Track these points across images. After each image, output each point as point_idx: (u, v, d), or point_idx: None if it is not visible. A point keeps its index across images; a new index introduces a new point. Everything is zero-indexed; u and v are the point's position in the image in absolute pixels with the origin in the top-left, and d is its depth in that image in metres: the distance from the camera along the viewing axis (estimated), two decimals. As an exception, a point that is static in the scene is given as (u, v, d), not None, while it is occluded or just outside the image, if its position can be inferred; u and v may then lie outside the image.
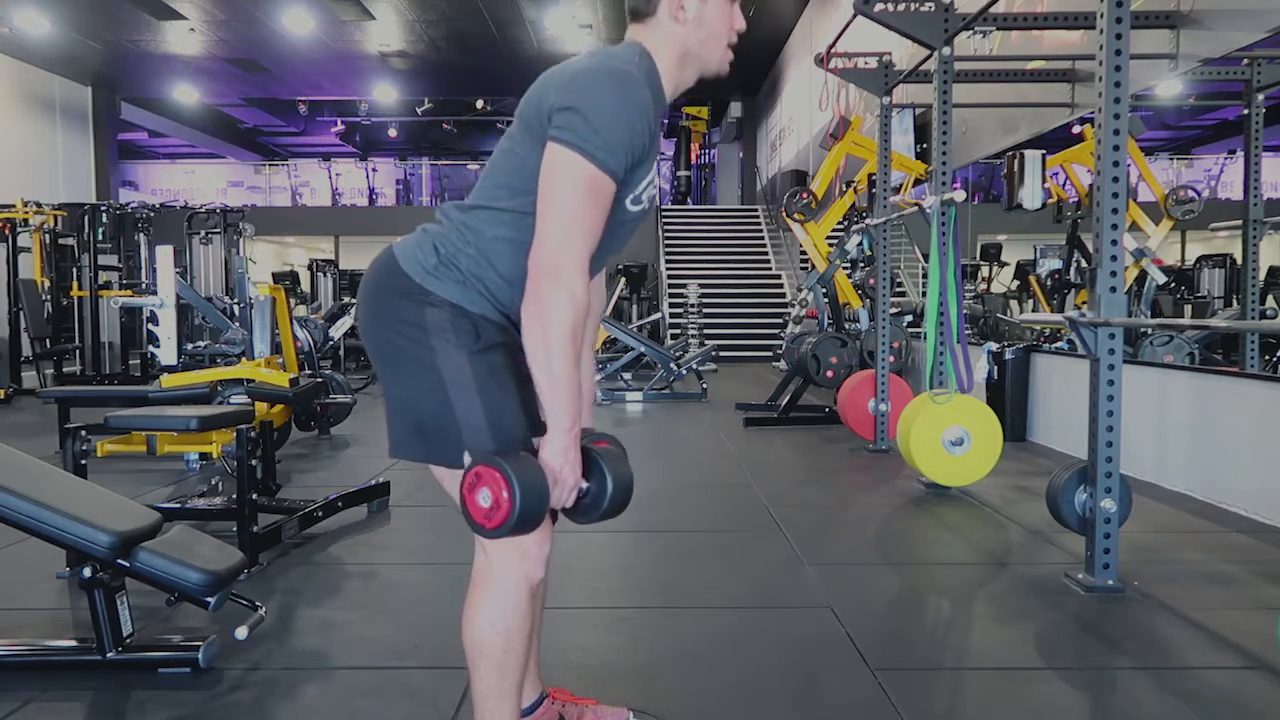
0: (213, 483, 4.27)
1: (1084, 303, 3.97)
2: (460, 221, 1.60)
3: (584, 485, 1.53)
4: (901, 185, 7.81)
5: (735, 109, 20.58)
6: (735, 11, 1.63)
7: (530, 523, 1.45)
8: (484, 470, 1.44)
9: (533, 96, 1.56)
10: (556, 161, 1.47)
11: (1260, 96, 5.69)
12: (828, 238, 7.79)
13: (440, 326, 1.55)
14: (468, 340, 1.55)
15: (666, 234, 16.61)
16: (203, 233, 10.56)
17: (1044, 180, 6.40)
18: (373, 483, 4.09)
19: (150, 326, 5.65)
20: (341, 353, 10.52)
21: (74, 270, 9.74)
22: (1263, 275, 7.59)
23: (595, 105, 1.46)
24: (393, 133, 23.70)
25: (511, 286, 1.57)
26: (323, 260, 15.09)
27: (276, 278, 12.82)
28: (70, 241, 10.37)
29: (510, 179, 1.57)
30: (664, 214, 17.41)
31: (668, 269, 15.15)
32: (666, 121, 21.92)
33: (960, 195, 4.21)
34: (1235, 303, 8.16)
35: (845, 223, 8.22)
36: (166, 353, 5.47)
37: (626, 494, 1.55)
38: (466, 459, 1.52)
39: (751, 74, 18.54)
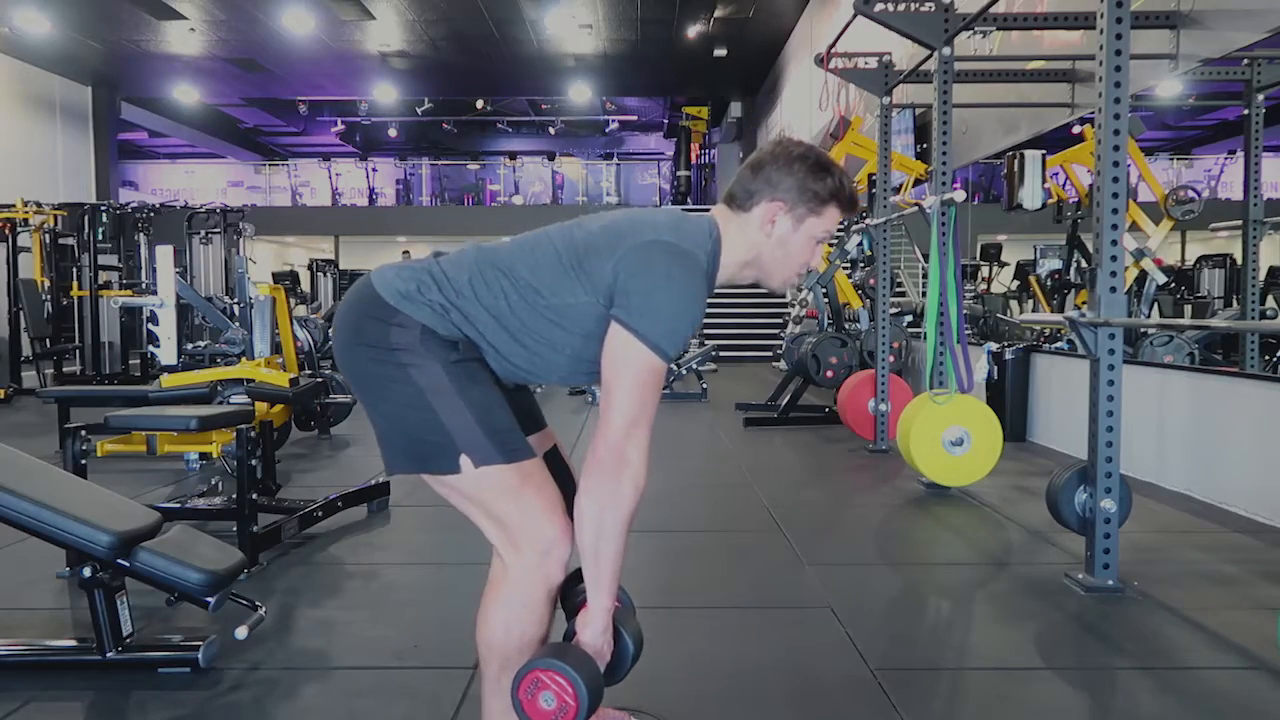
0: (213, 483, 4.27)
1: (1084, 303, 3.97)
2: (468, 274, 1.59)
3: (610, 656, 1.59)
4: (901, 185, 7.81)
5: (735, 109, 20.57)
6: (817, 251, 1.67)
7: (595, 711, 1.48)
8: (543, 675, 1.45)
9: (602, 245, 1.55)
10: (624, 348, 1.50)
11: (1260, 96, 5.69)
12: (828, 238, 7.77)
13: (407, 344, 1.55)
14: (442, 352, 1.55)
15: (666, 234, 16.58)
16: (203, 233, 10.56)
17: (1044, 180, 6.39)
18: (373, 483, 4.09)
19: (150, 326, 5.65)
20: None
21: (74, 270, 9.75)
22: (1263, 275, 7.57)
23: (661, 294, 1.50)
24: (393, 133, 23.70)
25: (481, 337, 1.58)
26: (323, 260, 15.09)
27: (276, 278, 12.81)
28: (70, 241, 10.38)
29: (543, 288, 1.56)
30: (664, 214, 17.37)
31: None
32: (666, 122, 21.97)
33: (960, 195, 4.21)
34: (1235, 303, 8.16)
35: (845, 223, 8.21)
36: (166, 353, 5.47)
37: (640, 650, 1.63)
38: (466, 463, 1.52)
39: (751, 74, 18.52)
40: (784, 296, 13.98)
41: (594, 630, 1.53)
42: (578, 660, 1.46)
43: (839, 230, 8.47)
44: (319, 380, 5.64)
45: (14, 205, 9.90)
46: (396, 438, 1.59)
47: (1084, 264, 7.86)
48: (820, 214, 1.62)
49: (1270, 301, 8.58)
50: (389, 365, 1.55)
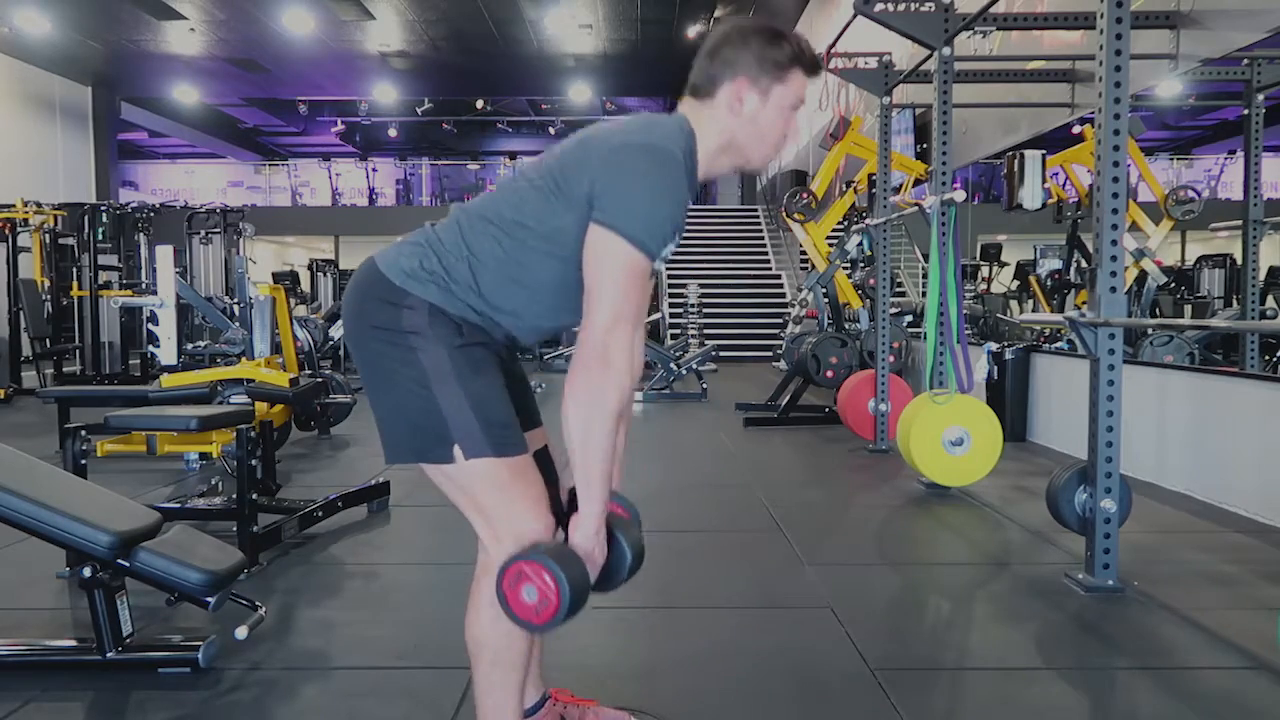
0: (213, 483, 4.27)
1: (1084, 303, 3.97)
2: (458, 227, 1.60)
3: (604, 560, 1.57)
4: (901, 185, 7.81)
5: (735, 109, 20.56)
6: (793, 119, 1.64)
7: (577, 612, 1.47)
8: (528, 567, 1.44)
9: (573, 159, 1.56)
10: (604, 245, 1.49)
11: (1260, 96, 5.69)
12: (828, 238, 7.79)
13: (417, 326, 1.55)
14: (448, 336, 1.56)
15: (666, 234, 16.59)
16: (203, 233, 10.56)
17: (1044, 180, 6.39)
18: (373, 483, 4.09)
19: (150, 326, 5.66)
20: (341, 353, 10.52)
21: (74, 270, 9.74)
22: (1263, 275, 7.58)
23: (640, 193, 1.49)
24: (393, 133, 23.71)
25: (485, 301, 1.58)
26: (323, 260, 15.09)
27: (276, 278, 12.80)
28: (70, 241, 10.38)
29: (529, 221, 1.56)
30: (664, 214, 17.38)
31: (668, 269, 15.13)
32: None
33: (960, 195, 4.21)
34: (1235, 303, 8.16)
35: (845, 223, 8.22)
36: (166, 353, 5.47)
37: (640, 561, 1.61)
38: (457, 453, 1.52)
39: (751, 74, 18.52)
40: (783, 292, 13.99)
41: (585, 532, 1.51)
42: (563, 557, 1.45)
43: (839, 229, 8.50)
44: (319, 380, 5.64)
45: (14, 205, 9.90)
46: (399, 425, 1.58)
47: (1084, 264, 7.86)
48: (785, 81, 1.60)
49: (1270, 301, 8.58)
50: (400, 348, 1.55)
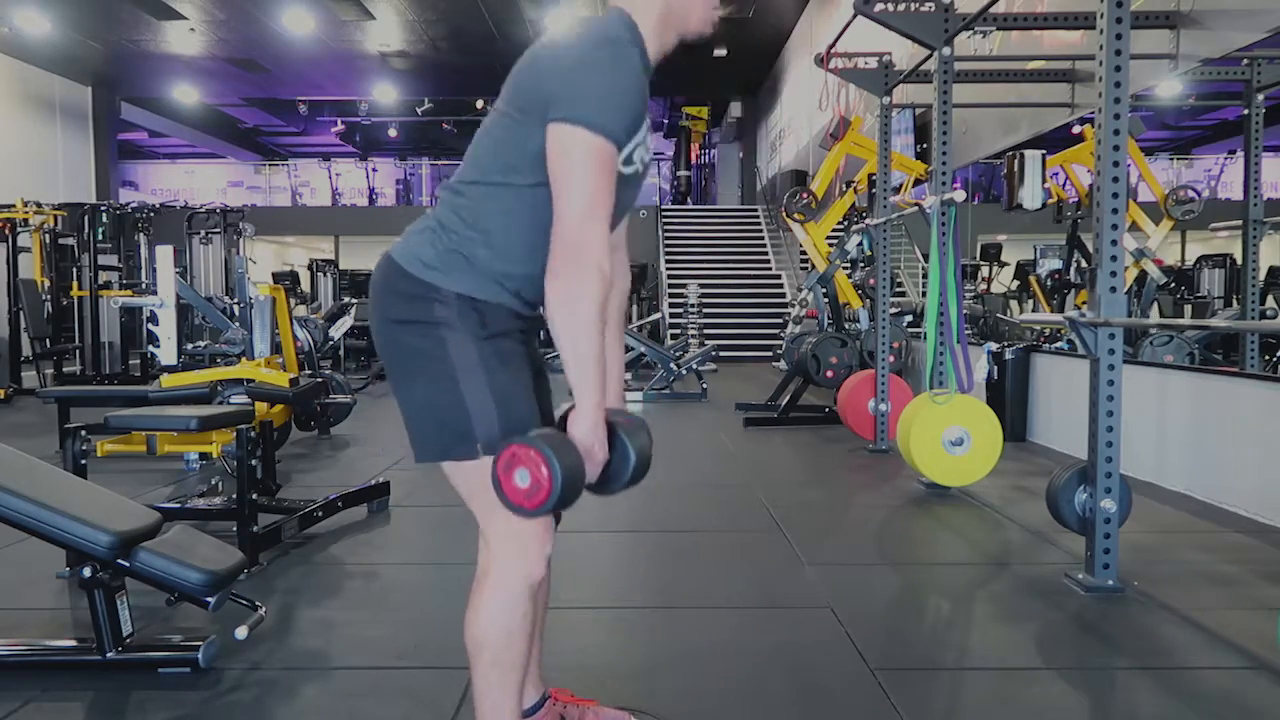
0: (213, 483, 4.27)
1: (1084, 303, 3.97)
2: (454, 203, 1.59)
3: (605, 459, 1.54)
4: (901, 185, 7.81)
5: (735, 109, 20.58)
6: None
7: (569, 501, 1.45)
8: (521, 450, 1.43)
9: (527, 79, 1.55)
10: (563, 140, 1.47)
11: (1260, 96, 5.69)
12: (828, 238, 7.79)
13: (448, 320, 1.55)
14: (475, 328, 1.55)
15: (666, 234, 16.61)
16: (203, 233, 10.56)
17: (1044, 180, 6.39)
18: (373, 483, 4.09)
19: (150, 326, 5.66)
20: (341, 353, 10.53)
21: (74, 270, 9.74)
22: (1263, 275, 7.58)
23: (592, 79, 1.48)
24: (393, 133, 23.71)
25: (504, 261, 1.57)
26: (323, 260, 15.09)
27: (276, 278, 12.81)
28: (70, 241, 10.38)
29: (512, 158, 1.55)
30: (664, 214, 17.41)
31: (668, 269, 15.15)
32: (666, 122, 21.96)
33: (960, 195, 4.21)
34: (1235, 303, 8.16)
35: (845, 223, 8.22)
36: (166, 353, 5.47)
37: (646, 466, 1.58)
38: (479, 449, 1.51)
39: (751, 74, 18.53)
40: (783, 292, 13.99)
41: (583, 427, 1.49)
42: (558, 445, 1.44)
43: (839, 229, 8.50)
44: (319, 380, 5.64)
45: (14, 205, 9.90)
46: (426, 420, 1.58)
47: (1084, 264, 7.86)
48: None
49: (1270, 301, 8.58)
50: (430, 340, 1.54)
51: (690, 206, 20.09)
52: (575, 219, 1.46)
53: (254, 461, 3.42)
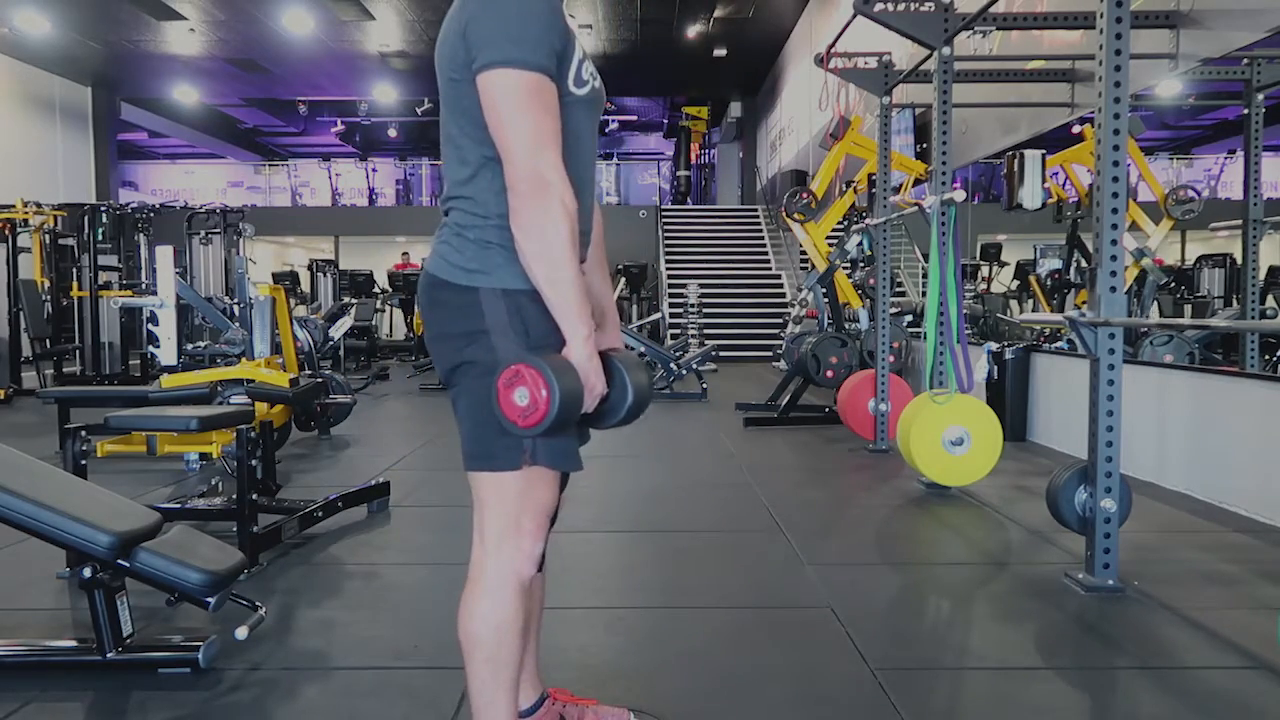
0: (213, 483, 4.27)
1: (1084, 303, 3.97)
2: (458, 205, 1.58)
3: (604, 391, 1.54)
4: (901, 185, 7.81)
5: (735, 109, 20.58)
6: None
7: (564, 424, 1.45)
8: (523, 369, 1.43)
9: (452, 34, 1.52)
10: (491, 85, 1.46)
11: (1260, 96, 5.69)
12: (828, 238, 7.79)
13: (498, 324, 1.53)
14: (521, 335, 1.53)
15: (666, 234, 16.62)
16: (203, 233, 10.56)
17: (1044, 180, 6.39)
18: (373, 483, 4.09)
19: (150, 327, 5.65)
20: (341, 353, 10.53)
21: (74, 270, 9.75)
22: (1263, 275, 7.58)
23: (499, 16, 1.46)
24: (393, 133, 23.70)
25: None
26: (323, 260, 15.09)
27: (276, 278, 12.82)
28: (70, 241, 10.38)
29: (476, 128, 1.53)
30: (664, 214, 17.42)
31: (668, 269, 15.15)
32: (666, 122, 21.98)
33: (960, 195, 4.21)
34: (1235, 303, 8.16)
35: (845, 223, 8.23)
36: (166, 353, 5.47)
37: (645, 400, 1.58)
38: (524, 459, 1.52)
39: (751, 74, 18.54)
40: (783, 292, 13.99)
41: (576, 358, 1.48)
42: (560, 367, 1.44)
43: (839, 229, 8.50)
44: (319, 380, 5.64)
45: (14, 205, 9.90)
46: (477, 428, 1.56)
47: (1084, 264, 7.86)
48: None
49: (1270, 301, 8.58)
50: (482, 349, 1.53)
51: (690, 206, 20.10)
52: (523, 154, 1.45)
53: (254, 462, 3.41)
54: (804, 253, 8.69)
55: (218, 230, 10.58)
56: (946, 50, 4.59)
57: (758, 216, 17.43)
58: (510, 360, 1.48)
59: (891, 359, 6.08)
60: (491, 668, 1.60)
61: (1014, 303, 10.47)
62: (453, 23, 1.53)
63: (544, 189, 1.44)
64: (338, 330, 9.13)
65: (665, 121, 22.21)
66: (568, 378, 1.45)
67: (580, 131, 1.60)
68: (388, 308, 15.26)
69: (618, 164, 22.54)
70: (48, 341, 9.55)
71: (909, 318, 8.12)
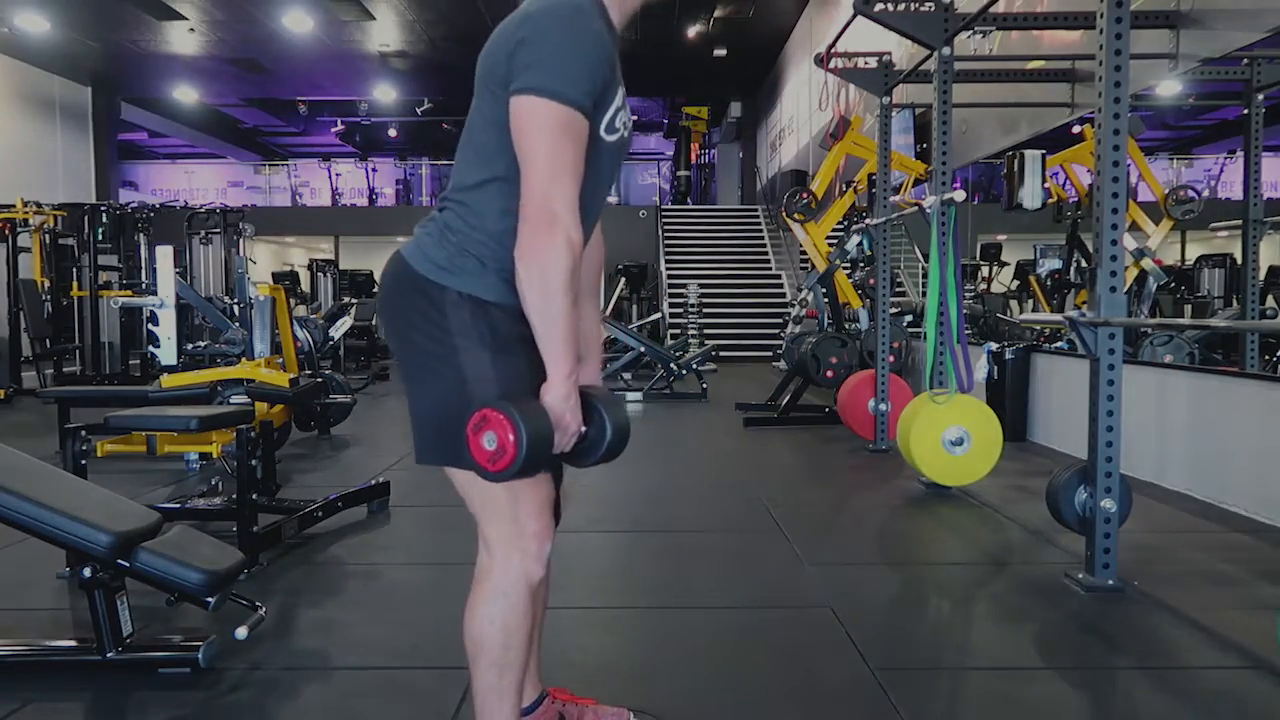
0: (213, 483, 4.27)
1: (1084, 303, 3.97)
2: (456, 208, 1.58)
3: (583, 429, 1.54)
4: (901, 185, 7.81)
5: (735, 109, 20.57)
6: None
7: (534, 467, 1.44)
8: (490, 414, 1.43)
9: (491, 53, 1.53)
10: (524, 110, 1.46)
11: (1260, 96, 5.69)
12: (828, 238, 7.79)
13: (462, 326, 1.54)
14: (486, 334, 1.54)
15: (666, 234, 16.61)
16: (203, 233, 10.56)
17: (1044, 180, 6.39)
18: (373, 483, 4.09)
19: (150, 326, 5.66)
20: (341, 353, 10.53)
21: (74, 270, 9.74)
22: (1263, 275, 7.58)
23: (549, 46, 1.46)
24: (393, 133, 23.70)
25: (512, 260, 1.53)
26: (323, 260, 15.10)
27: (276, 278, 12.82)
28: (70, 241, 10.37)
29: (497, 143, 1.53)
30: (664, 214, 17.41)
31: (668, 269, 15.15)
32: (666, 122, 21.97)
33: (960, 195, 4.21)
34: (1235, 303, 8.16)
35: (845, 223, 8.22)
36: (166, 353, 5.47)
37: (624, 439, 1.57)
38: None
39: (751, 74, 18.53)
40: (783, 292, 14.00)
41: (555, 395, 1.48)
42: (528, 411, 1.44)
43: (839, 229, 8.50)
44: (319, 380, 5.64)
45: (14, 205, 9.89)
46: (431, 423, 1.57)
47: (1084, 264, 7.86)
48: None
49: (1270, 301, 8.58)
50: (443, 346, 1.54)
51: (690, 206, 20.09)
52: (540, 184, 1.45)
53: (254, 461, 3.42)
54: (804, 253, 8.70)
55: (218, 230, 10.58)
56: (946, 50, 4.59)
57: (758, 216, 17.42)
58: (470, 366, 1.49)
59: (891, 359, 6.08)
60: (497, 671, 1.59)
61: (1014, 303, 10.47)
62: (504, 39, 1.52)
63: (552, 222, 1.44)
64: (338, 330, 9.12)
65: (665, 121, 22.19)
66: (536, 421, 1.44)
67: (600, 171, 1.60)
68: (388, 308, 15.21)
69: (618, 164, 22.50)
70: (48, 341, 9.54)
71: (909, 318, 8.12)
